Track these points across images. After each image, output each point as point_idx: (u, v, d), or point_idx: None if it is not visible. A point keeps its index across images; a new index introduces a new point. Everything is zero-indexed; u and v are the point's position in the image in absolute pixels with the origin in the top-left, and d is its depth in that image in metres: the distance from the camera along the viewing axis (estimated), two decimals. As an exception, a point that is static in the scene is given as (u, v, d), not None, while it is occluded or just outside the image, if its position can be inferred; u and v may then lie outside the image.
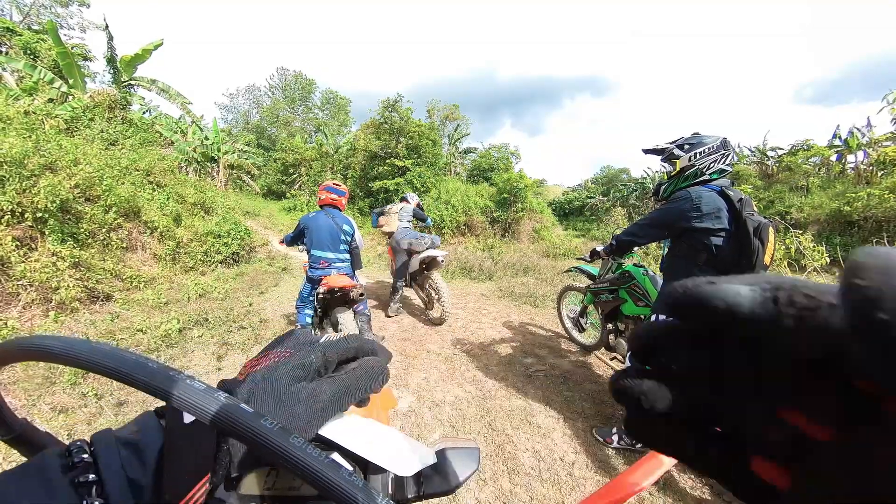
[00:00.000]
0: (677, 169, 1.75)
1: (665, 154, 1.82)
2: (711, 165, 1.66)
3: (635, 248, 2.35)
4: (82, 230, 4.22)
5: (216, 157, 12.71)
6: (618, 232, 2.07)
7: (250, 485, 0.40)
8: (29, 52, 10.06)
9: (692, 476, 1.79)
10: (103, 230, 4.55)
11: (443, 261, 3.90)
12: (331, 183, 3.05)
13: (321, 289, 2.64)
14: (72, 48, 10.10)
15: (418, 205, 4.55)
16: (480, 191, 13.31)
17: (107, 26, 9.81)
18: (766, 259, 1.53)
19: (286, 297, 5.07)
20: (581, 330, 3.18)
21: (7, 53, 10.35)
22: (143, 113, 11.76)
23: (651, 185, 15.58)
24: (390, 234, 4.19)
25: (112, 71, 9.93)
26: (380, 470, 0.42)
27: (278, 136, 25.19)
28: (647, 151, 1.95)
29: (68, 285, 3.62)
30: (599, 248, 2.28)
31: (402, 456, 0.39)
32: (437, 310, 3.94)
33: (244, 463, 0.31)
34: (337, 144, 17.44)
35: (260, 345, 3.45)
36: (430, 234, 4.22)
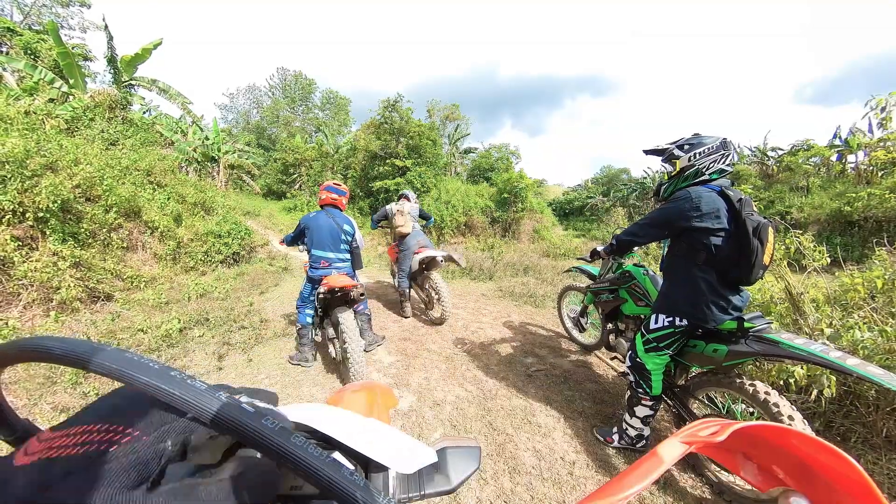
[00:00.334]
0: (677, 169, 1.75)
1: (665, 154, 1.82)
2: (711, 165, 1.66)
3: (635, 248, 2.35)
4: (83, 230, 4.23)
5: (216, 157, 12.71)
6: (618, 232, 2.07)
7: (252, 484, 0.40)
8: (29, 52, 10.06)
9: (692, 476, 1.79)
10: (104, 230, 4.55)
11: (442, 261, 3.91)
12: (331, 183, 3.06)
13: (322, 289, 2.64)
14: (72, 48, 10.11)
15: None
16: (480, 191, 13.31)
17: (106, 26, 9.80)
18: (766, 259, 1.53)
19: (287, 296, 5.08)
20: (581, 329, 3.18)
21: (8, 53, 10.36)
22: (144, 113, 11.76)
23: (651, 186, 15.58)
24: (405, 236, 4.03)
25: (112, 71, 9.92)
26: (381, 468, 0.42)
27: (278, 136, 25.19)
28: (647, 152, 1.96)
29: (69, 285, 3.63)
30: (600, 248, 2.28)
31: (402, 454, 0.39)
32: (438, 310, 3.95)
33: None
34: (337, 144, 17.45)
35: (261, 344, 3.45)
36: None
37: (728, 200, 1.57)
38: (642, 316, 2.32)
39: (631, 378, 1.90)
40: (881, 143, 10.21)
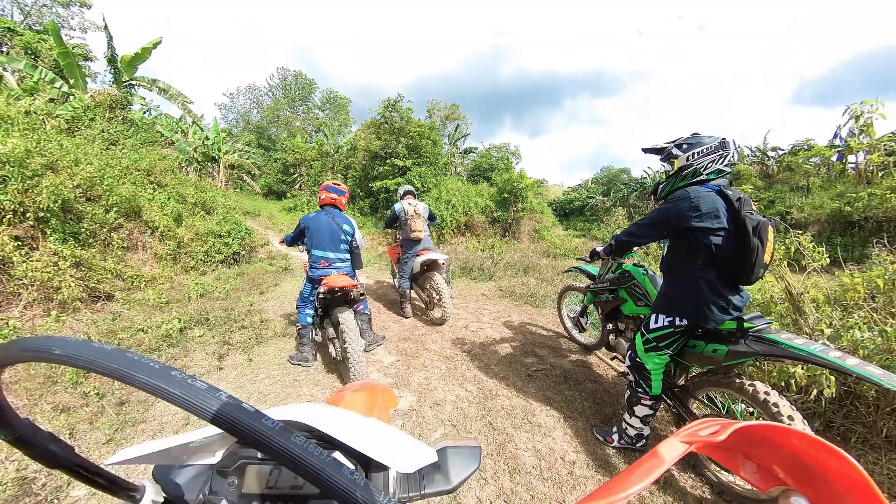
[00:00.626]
0: (675, 168, 1.75)
1: (664, 153, 1.82)
2: (709, 165, 1.66)
3: (635, 248, 2.36)
4: (83, 230, 4.23)
5: (217, 157, 12.71)
6: (617, 232, 2.07)
7: (252, 483, 0.41)
8: (30, 52, 10.06)
9: (692, 475, 1.79)
10: (104, 230, 4.55)
11: (444, 263, 3.92)
12: (331, 183, 3.06)
13: (322, 288, 2.64)
14: (73, 48, 10.10)
15: None
16: (481, 191, 13.30)
17: (106, 26, 9.80)
18: (766, 258, 1.52)
19: (287, 296, 5.08)
20: (581, 329, 3.18)
21: (8, 53, 10.37)
22: (144, 113, 11.75)
23: (651, 185, 15.55)
24: (417, 240, 3.90)
25: (112, 71, 9.92)
26: (381, 468, 0.42)
27: (279, 135, 25.19)
28: (646, 150, 1.95)
29: (69, 285, 3.62)
30: (599, 249, 2.28)
31: (403, 454, 0.39)
32: (438, 310, 3.95)
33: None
34: (337, 144, 17.45)
35: (261, 344, 3.46)
36: None
37: (727, 200, 1.57)
38: (642, 316, 2.32)
39: (631, 378, 1.90)
40: (878, 146, 10.23)
